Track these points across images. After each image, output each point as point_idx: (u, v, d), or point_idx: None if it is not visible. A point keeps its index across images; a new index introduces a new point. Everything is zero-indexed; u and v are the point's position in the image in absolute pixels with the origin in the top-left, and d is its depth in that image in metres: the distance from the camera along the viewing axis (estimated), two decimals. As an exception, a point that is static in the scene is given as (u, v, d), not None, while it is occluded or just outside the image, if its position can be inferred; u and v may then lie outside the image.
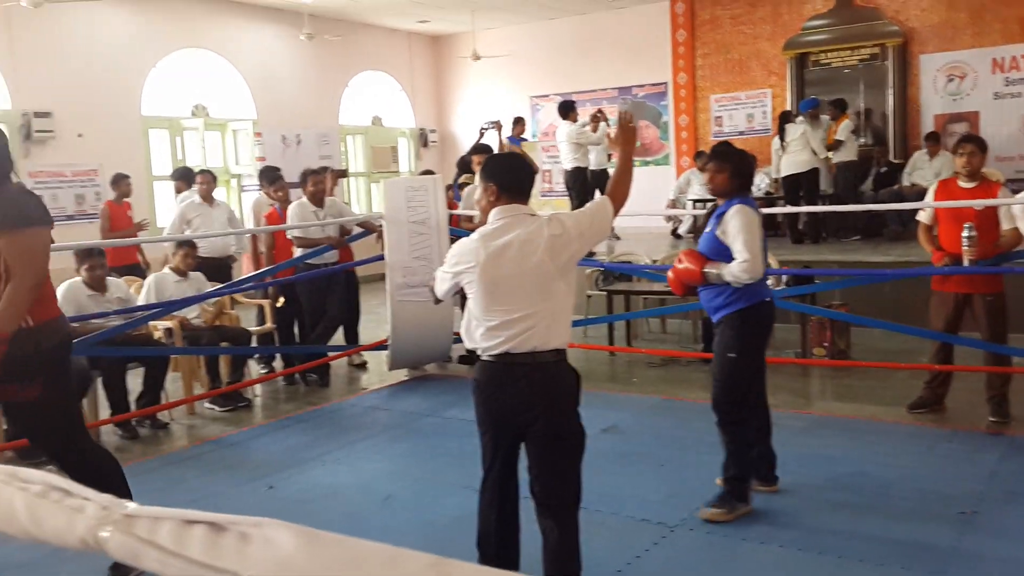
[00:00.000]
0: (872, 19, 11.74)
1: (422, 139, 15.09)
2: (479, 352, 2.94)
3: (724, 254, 3.76)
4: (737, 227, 3.73)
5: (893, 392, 5.73)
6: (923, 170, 10.19)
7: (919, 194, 9.97)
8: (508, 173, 3.01)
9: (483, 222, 2.98)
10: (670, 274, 4.05)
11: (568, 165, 10.31)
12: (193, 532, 0.83)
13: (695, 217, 11.56)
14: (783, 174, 10.12)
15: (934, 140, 10.33)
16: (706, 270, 3.80)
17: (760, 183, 11.74)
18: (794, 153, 9.91)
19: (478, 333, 2.90)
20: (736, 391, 3.89)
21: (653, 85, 13.59)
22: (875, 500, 4.03)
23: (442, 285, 3.07)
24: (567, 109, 10.32)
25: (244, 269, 7.66)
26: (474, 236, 2.94)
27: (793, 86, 12.27)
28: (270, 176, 7.48)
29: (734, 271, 3.71)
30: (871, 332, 6.82)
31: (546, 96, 14.32)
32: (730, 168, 3.90)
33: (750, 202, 3.89)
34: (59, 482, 0.94)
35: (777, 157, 10.27)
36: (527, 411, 2.87)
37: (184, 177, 8.51)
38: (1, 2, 8.44)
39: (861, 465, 4.46)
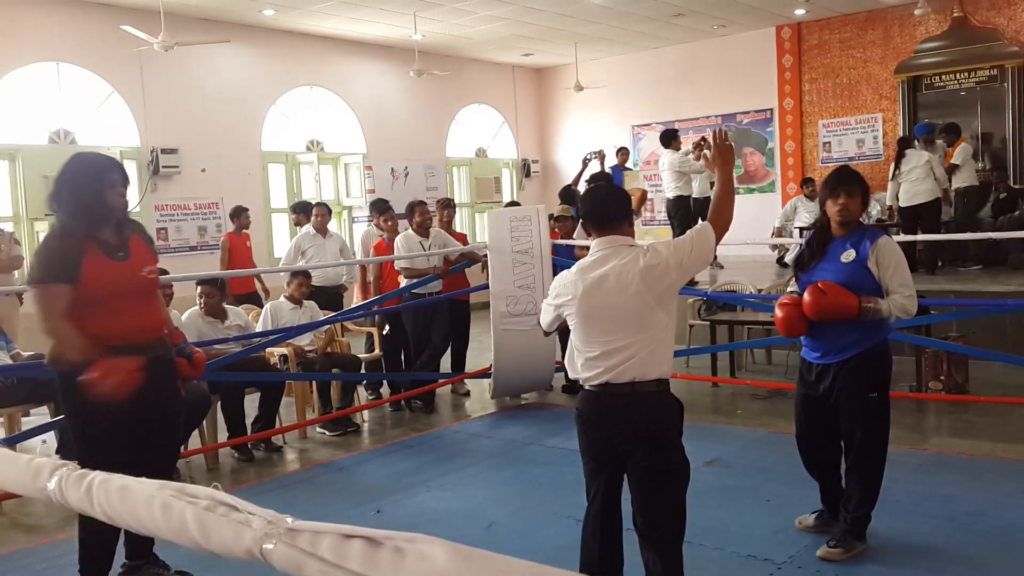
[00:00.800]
0: (990, 40, 11.32)
1: (524, 170, 15.29)
2: (581, 382, 2.99)
3: (865, 287, 3.54)
4: (897, 259, 3.56)
5: (1014, 428, 5.47)
6: (1047, 195, 9.72)
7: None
8: (591, 205, 3.07)
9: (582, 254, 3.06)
10: (805, 303, 3.58)
11: (671, 194, 10.27)
12: (352, 545, 0.90)
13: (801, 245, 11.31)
14: (903, 204, 9.43)
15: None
16: (866, 304, 3.49)
17: (872, 210, 11.40)
18: (915, 182, 9.25)
19: (579, 363, 2.95)
20: (885, 431, 3.74)
21: (758, 112, 13.42)
22: (994, 543, 3.85)
23: (546, 317, 3.14)
24: (670, 137, 10.29)
25: (354, 298, 7.90)
26: (572, 268, 3.01)
27: (905, 110, 11.92)
28: (380, 207, 7.71)
29: (904, 305, 3.52)
30: (990, 365, 6.53)
31: (648, 125, 14.31)
32: (861, 193, 3.67)
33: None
34: (225, 498, 1.02)
35: (895, 185, 9.71)
36: (627, 442, 2.89)
37: (304, 211, 8.86)
38: (135, 46, 9.03)
39: (980, 505, 4.27)
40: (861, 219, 3.77)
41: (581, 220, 3.05)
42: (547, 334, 3.34)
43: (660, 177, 10.87)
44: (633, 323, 2.86)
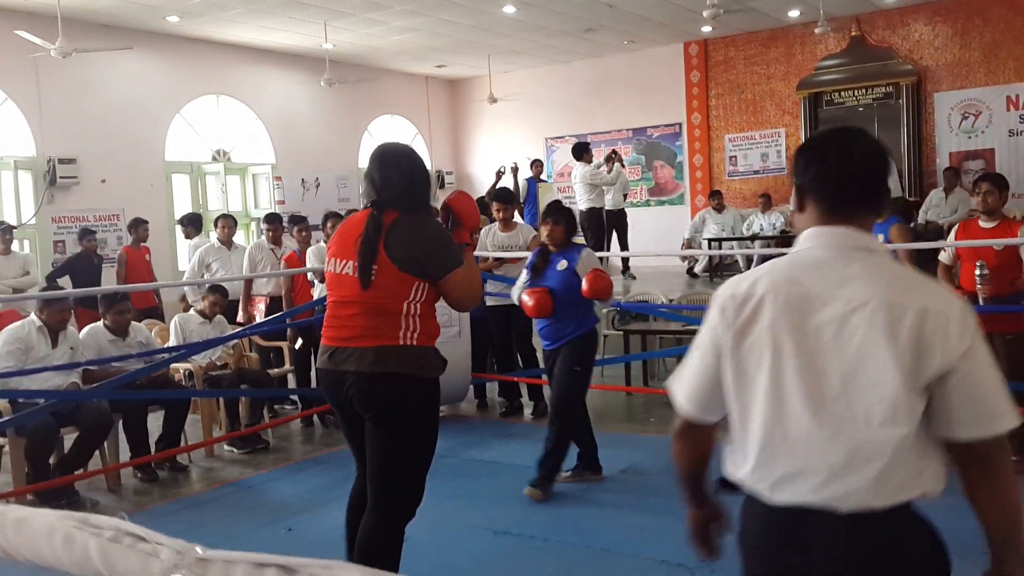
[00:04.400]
0: (886, 58, 11.84)
1: (439, 181, 15.25)
2: None
3: (576, 286, 4.66)
4: (595, 263, 4.85)
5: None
6: (939, 207, 10.18)
7: (935, 232, 9.97)
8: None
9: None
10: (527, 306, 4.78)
11: (583, 206, 10.38)
12: (265, 575, 0.85)
13: (710, 256, 11.59)
14: None
15: (952, 174, 10.32)
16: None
17: (776, 221, 11.77)
18: None
19: None
20: (578, 396, 4.86)
21: (667, 126, 13.71)
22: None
23: None
24: (581, 150, 10.41)
25: (239, 314, 7.54)
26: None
27: (807, 125, 12.35)
28: (295, 220, 7.67)
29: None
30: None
31: (561, 138, 14.46)
32: (565, 221, 4.89)
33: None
34: (131, 527, 0.97)
35: None
36: None
37: (193, 223, 8.62)
38: (31, 52, 8.66)
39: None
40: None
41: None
42: None
43: (573, 189, 10.98)
44: None
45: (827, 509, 1.55)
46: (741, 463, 1.66)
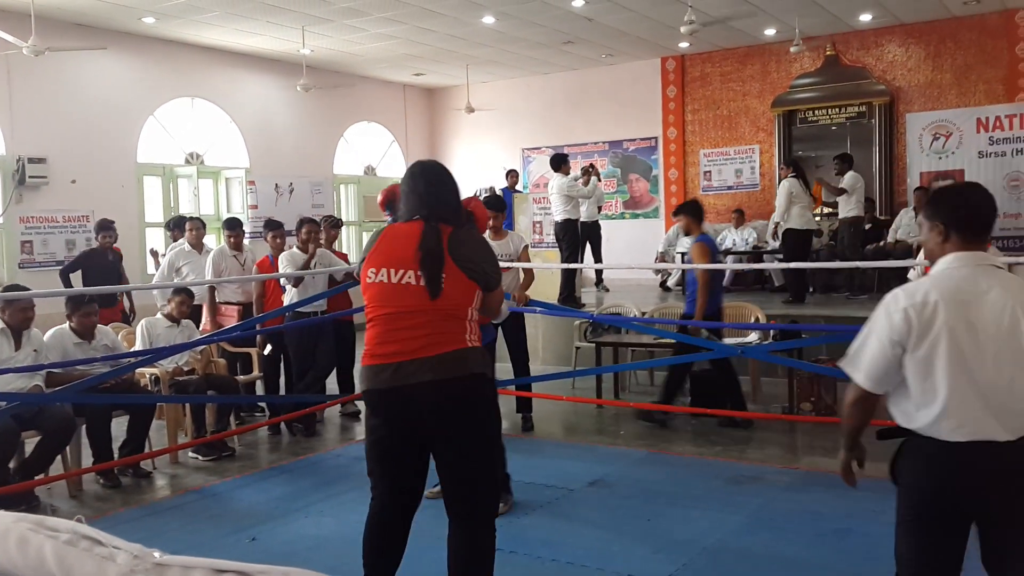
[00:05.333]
0: (859, 78, 11.98)
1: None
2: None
3: None
4: None
5: (879, 447, 5.71)
6: (909, 227, 10.30)
7: (904, 251, 10.09)
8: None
9: None
10: None
11: (559, 217, 10.40)
12: None
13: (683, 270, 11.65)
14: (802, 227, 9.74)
15: (923, 194, 10.45)
16: None
17: (748, 237, 11.86)
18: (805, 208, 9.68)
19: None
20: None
21: (643, 139, 13.78)
22: (860, 556, 4.00)
23: None
24: (559, 162, 10.42)
25: (203, 320, 7.43)
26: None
27: (781, 142, 12.46)
28: (271, 225, 7.49)
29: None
30: (859, 387, 6.82)
31: (538, 149, 14.49)
32: None
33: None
34: (88, 531, 0.95)
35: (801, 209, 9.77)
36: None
37: (179, 226, 8.52)
38: (1, 50, 8.54)
39: (847, 521, 4.44)
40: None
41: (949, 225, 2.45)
42: None
43: (549, 200, 11.00)
44: None
45: (990, 440, 2.29)
46: (918, 417, 2.38)
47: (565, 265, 9.63)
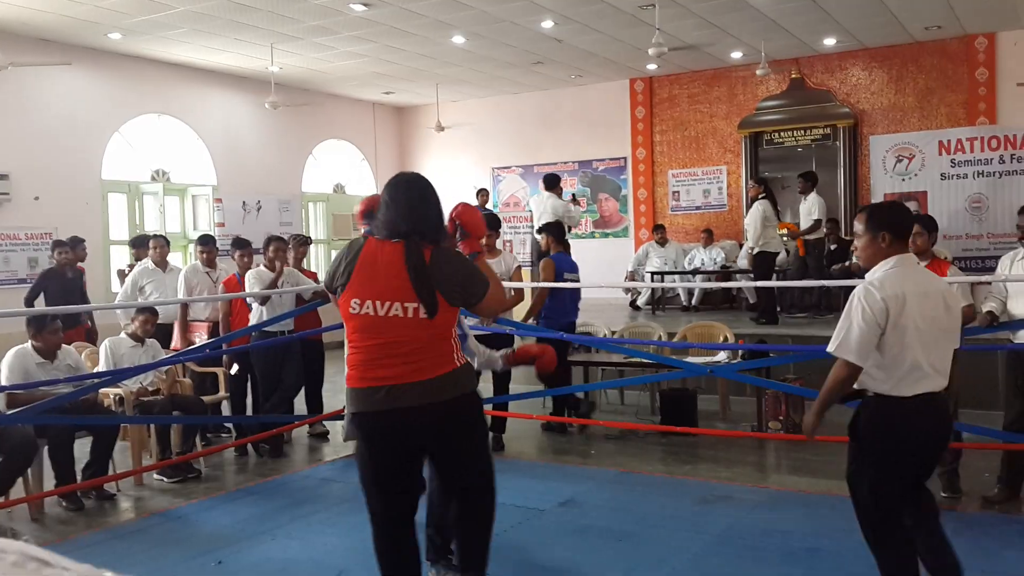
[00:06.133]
0: (824, 101, 12.18)
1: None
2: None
3: None
4: None
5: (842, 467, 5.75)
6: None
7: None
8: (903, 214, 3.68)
9: None
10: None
11: (537, 235, 10.38)
12: None
13: (652, 289, 11.71)
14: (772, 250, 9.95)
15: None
16: None
17: (716, 256, 11.96)
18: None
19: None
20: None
21: (613, 159, 13.87)
22: (830, 574, 4.03)
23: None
24: (555, 181, 10.29)
25: (174, 338, 7.32)
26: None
27: (748, 164, 12.61)
28: (238, 244, 7.40)
29: None
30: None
31: (508, 167, 14.53)
32: None
33: None
34: (36, 552, 0.92)
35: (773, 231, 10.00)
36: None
37: (144, 245, 8.40)
38: (-37, 65, 8.42)
39: (816, 540, 4.46)
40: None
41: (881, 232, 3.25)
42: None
43: (525, 219, 10.99)
44: None
45: (936, 392, 3.14)
46: (887, 380, 3.12)
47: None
